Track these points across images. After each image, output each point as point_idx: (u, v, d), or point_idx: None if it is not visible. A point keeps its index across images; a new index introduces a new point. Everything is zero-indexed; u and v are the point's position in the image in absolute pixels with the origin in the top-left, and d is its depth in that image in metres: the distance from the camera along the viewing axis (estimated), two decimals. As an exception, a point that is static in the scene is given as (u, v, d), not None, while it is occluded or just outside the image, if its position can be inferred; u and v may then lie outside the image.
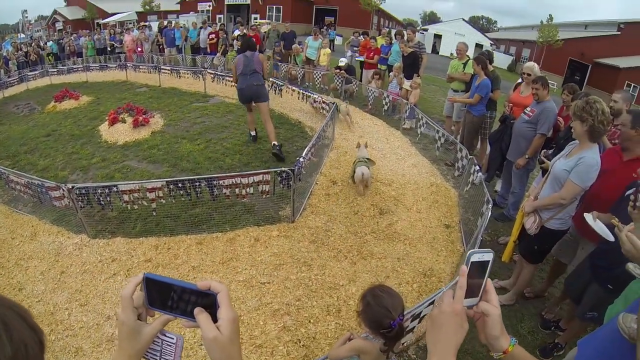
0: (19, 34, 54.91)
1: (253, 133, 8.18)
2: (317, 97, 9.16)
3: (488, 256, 0.93)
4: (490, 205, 4.27)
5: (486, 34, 43.64)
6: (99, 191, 5.26)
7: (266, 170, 5.27)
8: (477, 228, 4.47)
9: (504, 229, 5.60)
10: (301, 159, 5.49)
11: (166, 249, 5.15)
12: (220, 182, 5.15)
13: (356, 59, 13.28)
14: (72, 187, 5.19)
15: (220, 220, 5.58)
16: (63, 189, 5.27)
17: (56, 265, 5.15)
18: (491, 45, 36.24)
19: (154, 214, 5.51)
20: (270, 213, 5.68)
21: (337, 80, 11.63)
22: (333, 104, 8.27)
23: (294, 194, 5.36)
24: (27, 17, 59.98)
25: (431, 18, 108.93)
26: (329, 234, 5.24)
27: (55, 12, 56.72)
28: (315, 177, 6.62)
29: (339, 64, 11.78)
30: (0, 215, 6.64)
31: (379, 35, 13.80)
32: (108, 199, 5.34)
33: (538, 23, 38.05)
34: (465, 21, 39.67)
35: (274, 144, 7.29)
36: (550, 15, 36.87)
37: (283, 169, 5.23)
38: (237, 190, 5.22)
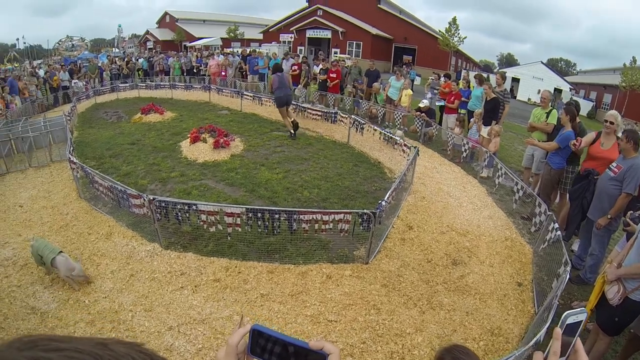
0: (113, 49, 60.41)
1: (292, 132, 11.05)
2: (398, 139, 9.15)
3: (582, 316, 0.93)
4: (568, 268, 4.15)
5: (565, 77, 41.89)
6: (179, 207, 5.50)
7: (348, 211, 5.32)
8: (551, 290, 4.36)
9: (579, 293, 5.26)
10: (383, 203, 5.48)
11: (236, 272, 5.25)
12: (301, 216, 5.23)
13: (437, 103, 13.22)
14: (154, 199, 5.49)
15: (294, 252, 5.62)
16: (144, 199, 5.56)
17: (127, 268, 5.41)
18: (570, 90, 34.42)
19: (229, 238, 5.66)
20: (345, 252, 5.67)
21: (417, 123, 11.60)
22: (415, 148, 8.21)
23: (372, 236, 5.34)
24: (121, 33, 65.77)
25: (508, 60, 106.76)
26: (401, 280, 5.17)
27: (147, 32, 62.17)
28: (392, 221, 6.55)
29: (420, 106, 11.76)
30: (81, 210, 7.15)
31: (460, 78, 13.65)
32: (187, 215, 5.55)
33: (621, 66, 35.79)
34: (544, 64, 38.37)
35: (291, 133, 10.94)
36: (633, 57, 34.37)
37: (365, 211, 5.23)
38: (316, 225, 5.27)
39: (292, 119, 11.18)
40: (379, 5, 42.37)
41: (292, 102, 12.24)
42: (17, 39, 78.21)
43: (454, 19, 37.27)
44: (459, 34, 37.48)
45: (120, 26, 64.15)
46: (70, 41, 59.45)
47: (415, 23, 42.60)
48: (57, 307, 4.72)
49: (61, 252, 5.05)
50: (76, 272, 4.95)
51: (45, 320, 4.53)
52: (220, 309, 4.58)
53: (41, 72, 21.84)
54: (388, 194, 5.85)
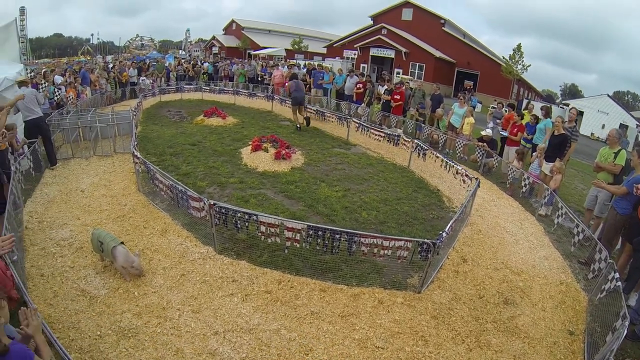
0: (180, 51, 63.33)
1: (299, 125, 13.76)
2: (460, 168, 8.90)
3: None
4: (626, 323, 3.95)
5: (632, 112, 39.29)
6: (239, 215, 5.50)
7: (409, 239, 5.22)
8: (605, 344, 4.19)
9: (632, 350, 4.89)
10: (444, 234, 5.32)
11: (289, 286, 5.19)
12: (362, 239, 5.15)
13: (500, 132, 12.75)
14: (214, 204, 5.52)
15: (348, 273, 5.53)
16: (205, 203, 5.61)
17: (178, 266, 5.47)
18: (637, 126, 32.33)
19: (286, 251, 5.63)
20: (399, 278, 5.55)
21: (478, 152, 11.26)
22: (477, 179, 7.95)
23: (428, 266, 5.22)
24: (189, 37, 68.85)
25: (572, 91, 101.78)
26: (451, 313, 5.03)
27: (213, 37, 64.87)
28: (447, 251, 6.37)
29: (482, 135, 11.41)
30: (139, 203, 7.37)
31: (521, 108, 13.08)
32: (246, 224, 5.55)
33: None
34: (610, 97, 36.17)
35: (298, 126, 13.74)
36: None
37: (426, 240, 5.09)
38: (375, 250, 5.18)
39: (305, 116, 14.17)
40: (443, 28, 42.08)
41: (355, 119, 12.70)
42: (92, 35, 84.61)
43: (519, 46, 36.25)
44: (522, 61, 36.44)
45: (188, 30, 67.27)
46: (140, 40, 62.88)
47: (479, 48, 41.87)
48: (106, 293, 4.84)
49: (122, 242, 5.17)
50: (135, 265, 5.05)
51: (93, 305, 4.64)
52: (268, 321, 4.53)
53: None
54: (449, 225, 5.70)
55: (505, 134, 11.93)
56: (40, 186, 8.04)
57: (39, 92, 9.18)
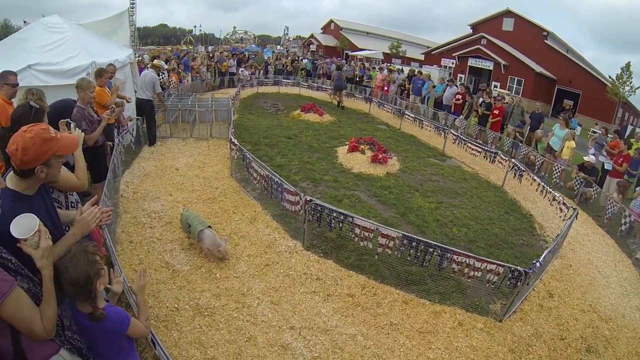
0: (277, 46, 65.60)
1: (342, 105, 17.73)
2: (557, 195, 8.30)
3: None
4: None
5: None
6: (334, 214, 5.49)
7: (502, 263, 4.95)
8: None
9: None
10: (538, 263, 5.00)
11: (372, 293, 5.10)
12: (455, 257, 4.97)
13: (603, 161, 11.67)
14: (310, 200, 5.55)
15: (432, 288, 5.34)
16: (301, 198, 5.66)
17: (264, 256, 5.57)
18: None
19: (376, 257, 5.52)
20: (481, 302, 5.29)
21: (577, 180, 10.40)
22: (575, 209, 7.36)
23: (515, 295, 4.96)
24: (287, 34, 71.17)
25: None
26: (530, 350, 4.72)
27: (311, 35, 66.25)
28: (534, 283, 5.95)
29: (584, 161, 10.54)
30: (230, 188, 7.66)
31: (625, 134, 11.82)
32: (340, 225, 5.52)
33: None
34: None
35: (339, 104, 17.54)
36: None
37: (518, 268, 4.82)
38: (465, 269, 4.99)
39: (340, 100, 17.94)
40: (545, 41, 39.06)
41: (452, 131, 12.40)
42: (195, 26, 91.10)
43: (627, 65, 32.42)
44: (631, 82, 32.85)
45: (287, 27, 69.61)
46: (240, 34, 65.97)
47: (583, 65, 38.05)
48: (189, 270, 5.06)
49: (210, 226, 5.36)
50: (221, 249, 5.20)
51: (175, 278, 4.86)
52: (346, 325, 4.49)
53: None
54: (543, 255, 5.38)
55: (608, 162, 10.96)
56: (139, 160, 8.69)
57: (159, 80, 9.95)
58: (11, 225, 1.97)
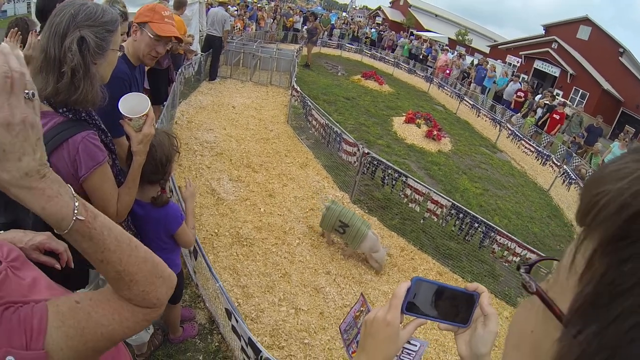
0: (343, 13, 64.68)
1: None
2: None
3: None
4: None
5: None
6: (389, 171, 5.54)
7: (542, 255, 4.81)
8: None
9: None
10: None
11: (409, 257, 5.18)
12: (498, 237, 4.95)
13: None
14: (368, 153, 5.60)
15: (466, 267, 5.37)
16: (359, 149, 5.71)
17: (310, 200, 5.70)
18: None
19: (422, 221, 5.57)
20: (511, 293, 5.28)
21: None
22: None
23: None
24: (354, 2, 70.03)
25: None
26: None
27: (379, 8, 64.81)
28: None
29: None
30: (285, 133, 7.81)
31: None
32: (393, 182, 5.57)
33: None
34: None
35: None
36: None
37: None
38: (504, 252, 4.98)
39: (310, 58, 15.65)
40: (620, 58, 36.20)
41: (509, 126, 12.18)
42: None
43: None
44: None
45: (356, -5, 68.23)
46: (307, -7, 65.24)
47: None
48: (233, 200, 5.22)
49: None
50: (378, 256, 4.67)
51: (219, 205, 5.03)
52: (380, 282, 4.58)
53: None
54: None
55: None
56: (196, 93, 8.92)
57: (230, 19, 10.08)
58: (121, 100, 1.83)
